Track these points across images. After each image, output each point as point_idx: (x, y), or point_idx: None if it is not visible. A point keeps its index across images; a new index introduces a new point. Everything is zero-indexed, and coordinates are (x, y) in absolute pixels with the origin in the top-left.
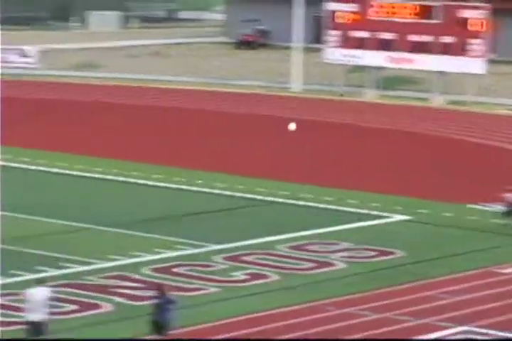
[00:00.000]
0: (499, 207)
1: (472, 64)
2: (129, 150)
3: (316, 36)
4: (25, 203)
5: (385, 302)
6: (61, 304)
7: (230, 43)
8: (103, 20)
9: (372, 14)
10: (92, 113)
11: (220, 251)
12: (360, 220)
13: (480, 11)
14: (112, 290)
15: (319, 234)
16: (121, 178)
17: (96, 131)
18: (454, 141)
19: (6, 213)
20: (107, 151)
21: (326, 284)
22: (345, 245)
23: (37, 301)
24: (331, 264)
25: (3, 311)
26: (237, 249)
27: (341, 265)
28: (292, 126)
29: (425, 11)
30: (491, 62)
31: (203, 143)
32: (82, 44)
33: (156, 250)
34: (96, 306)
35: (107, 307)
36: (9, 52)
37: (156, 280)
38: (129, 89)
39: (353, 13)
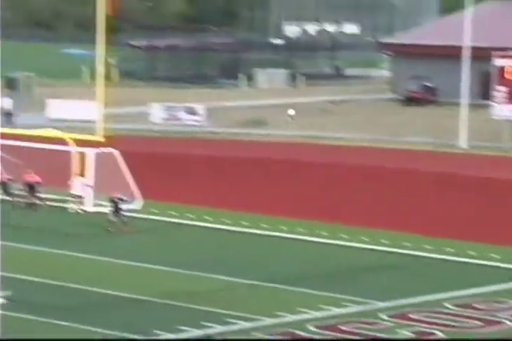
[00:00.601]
0: None
1: None
2: (294, 207)
3: (484, 92)
4: (191, 259)
5: None
6: None
7: (397, 100)
8: (270, 78)
9: None
10: (259, 169)
11: (386, 309)
12: None
13: None
14: None
15: (486, 292)
16: (285, 235)
17: (261, 187)
18: None
19: (173, 269)
20: (271, 208)
21: None
22: None
23: None
24: (498, 323)
25: None
26: (403, 306)
27: (510, 324)
28: (291, 112)
29: None
30: None
31: (367, 200)
32: (249, 101)
33: (321, 307)
34: None
35: None
36: (178, 109)
37: (320, 337)
38: (297, 146)
39: None
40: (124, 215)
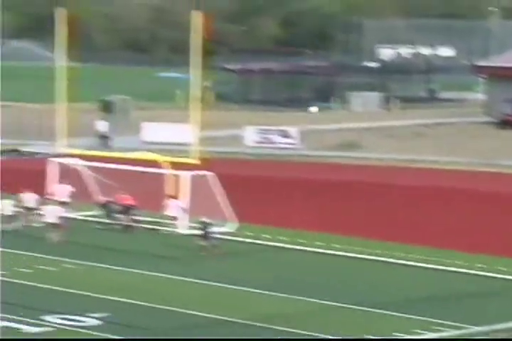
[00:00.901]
0: None
1: None
2: (388, 230)
3: None
4: (284, 282)
5: None
6: None
7: (492, 123)
8: (364, 101)
9: None
10: (352, 192)
11: (482, 334)
12: None
13: None
14: None
15: None
16: (379, 258)
17: (354, 210)
18: None
19: (266, 292)
20: (365, 231)
21: None
22: None
23: None
24: None
25: None
26: (499, 331)
27: None
28: (314, 109)
29: None
30: None
31: (461, 223)
32: (343, 124)
33: (417, 331)
34: None
35: None
36: (271, 132)
37: None
38: (391, 169)
39: None
40: (214, 238)
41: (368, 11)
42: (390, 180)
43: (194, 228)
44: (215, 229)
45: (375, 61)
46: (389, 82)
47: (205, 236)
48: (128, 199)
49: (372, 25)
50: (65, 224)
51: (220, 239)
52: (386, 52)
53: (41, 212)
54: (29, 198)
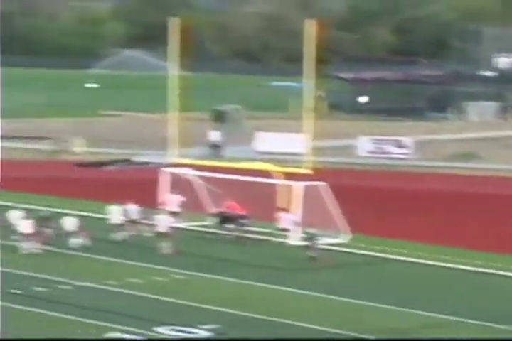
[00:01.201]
0: None
1: None
2: (501, 243)
3: None
4: (396, 295)
5: None
6: None
7: None
8: (480, 111)
9: None
10: (466, 204)
11: None
12: None
13: None
14: None
15: None
16: (495, 271)
17: (468, 222)
18: None
19: (376, 304)
20: (480, 243)
21: None
22: None
23: None
24: None
25: None
26: None
27: None
28: (363, 99)
29: None
30: None
31: None
32: (459, 134)
33: None
34: None
35: None
36: (385, 142)
37: None
38: (507, 180)
39: None
40: (321, 249)
41: (485, 18)
42: (507, 191)
43: (304, 239)
44: (325, 240)
45: (491, 70)
46: (506, 92)
47: (313, 248)
48: (239, 209)
49: (491, 33)
50: (175, 234)
51: (332, 250)
52: (503, 61)
53: (151, 222)
54: (132, 209)
